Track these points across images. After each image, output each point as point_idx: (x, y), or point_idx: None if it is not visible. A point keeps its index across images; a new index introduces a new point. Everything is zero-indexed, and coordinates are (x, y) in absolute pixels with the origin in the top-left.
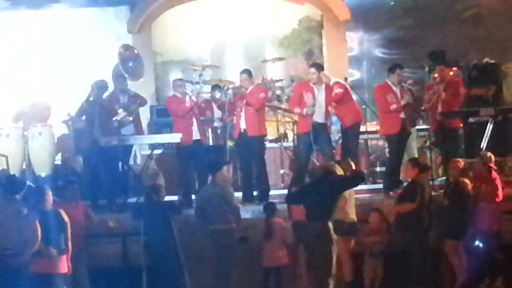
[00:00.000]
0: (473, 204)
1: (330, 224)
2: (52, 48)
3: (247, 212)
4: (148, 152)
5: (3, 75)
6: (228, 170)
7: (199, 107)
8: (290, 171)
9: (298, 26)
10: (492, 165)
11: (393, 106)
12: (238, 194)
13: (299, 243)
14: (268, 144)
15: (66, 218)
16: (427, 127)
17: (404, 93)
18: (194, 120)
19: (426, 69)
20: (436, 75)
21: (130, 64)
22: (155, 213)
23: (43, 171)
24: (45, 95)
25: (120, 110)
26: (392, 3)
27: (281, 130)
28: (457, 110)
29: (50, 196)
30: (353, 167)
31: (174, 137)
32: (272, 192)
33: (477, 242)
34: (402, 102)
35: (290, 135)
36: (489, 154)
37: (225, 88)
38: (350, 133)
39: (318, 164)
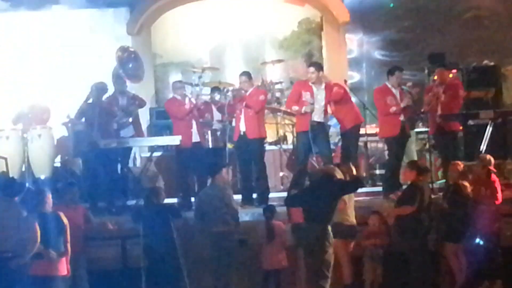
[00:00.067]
0: (472, 206)
1: (329, 227)
2: (52, 49)
3: (246, 215)
4: (148, 154)
5: (3, 76)
6: (227, 173)
7: (199, 109)
8: (289, 172)
9: (297, 28)
10: (492, 167)
11: (393, 109)
12: (238, 197)
13: (298, 246)
14: (267, 147)
15: (65, 220)
16: (426, 129)
17: (403, 96)
18: (194, 122)
19: (426, 71)
20: (435, 77)
21: (129, 66)
22: (154, 216)
23: (42, 173)
24: (45, 97)
25: (119, 112)
26: (391, 5)
27: (281, 132)
28: (457, 113)
29: (50, 199)
30: (354, 171)
31: (174, 140)
32: (271, 195)
33: (476, 245)
34: (402, 105)
35: (290, 138)
36: (488, 156)
37: (225, 90)
38: (350, 135)
39: (317, 166)
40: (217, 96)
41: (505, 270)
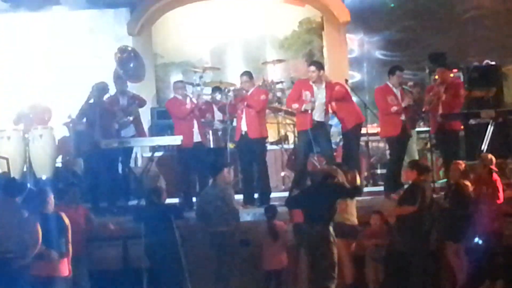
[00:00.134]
0: (474, 206)
1: (331, 227)
2: (52, 50)
3: (248, 215)
4: (149, 154)
5: (4, 77)
6: (229, 172)
7: (200, 109)
8: (291, 172)
9: (298, 28)
10: (493, 167)
11: (394, 108)
12: (239, 197)
13: (300, 246)
14: (269, 146)
15: (67, 221)
16: (427, 129)
17: (404, 95)
18: (195, 122)
19: (427, 71)
20: (436, 77)
21: (130, 65)
22: (156, 216)
23: (44, 174)
24: (46, 97)
25: (120, 113)
26: (392, 5)
27: (282, 132)
28: (458, 112)
29: (52, 199)
30: (358, 180)
31: (175, 139)
32: (273, 195)
33: (477, 244)
34: (403, 104)
35: (291, 137)
36: (490, 156)
37: (226, 90)
38: (351, 135)
39: (318, 166)
40: (218, 96)
41: (506, 270)
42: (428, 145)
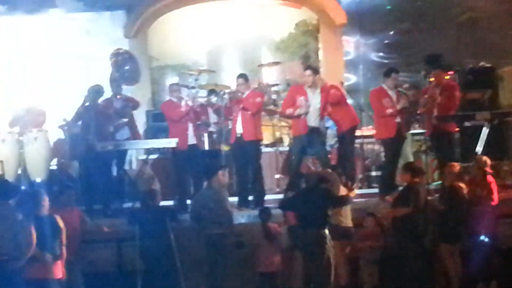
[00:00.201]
0: (468, 208)
1: (326, 231)
2: (49, 52)
3: (242, 217)
4: (144, 157)
5: None
6: (224, 175)
7: (195, 111)
8: (286, 175)
9: (294, 30)
10: (488, 169)
11: (389, 111)
12: (234, 199)
13: (294, 248)
14: (264, 149)
15: (61, 223)
16: (422, 131)
17: (400, 98)
18: (190, 125)
19: (422, 73)
20: (432, 79)
21: (126, 68)
22: (150, 218)
23: (38, 176)
24: (41, 100)
25: (114, 115)
26: (388, 7)
27: (277, 134)
28: (453, 114)
29: (46, 202)
30: (351, 192)
31: (170, 142)
32: (267, 197)
33: (472, 246)
34: (398, 106)
35: (286, 140)
36: (484, 158)
37: (221, 92)
38: (347, 137)
39: (313, 168)
40: (213, 99)
41: (501, 271)
42: (423, 147)
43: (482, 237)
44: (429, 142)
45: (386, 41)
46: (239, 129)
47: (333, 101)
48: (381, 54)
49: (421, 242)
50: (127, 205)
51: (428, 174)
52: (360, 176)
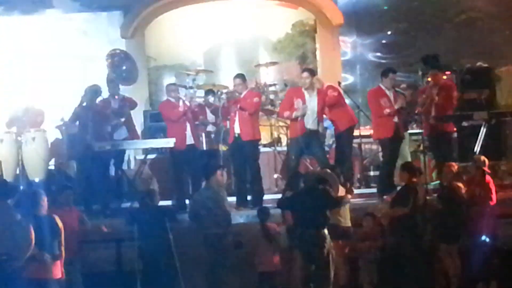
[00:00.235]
0: (467, 208)
1: (326, 231)
2: (46, 53)
3: (241, 217)
4: (142, 157)
5: None
6: (222, 175)
7: (193, 111)
8: (284, 174)
9: (291, 30)
10: (486, 168)
11: (387, 111)
12: (233, 199)
13: (293, 247)
14: (262, 149)
15: (60, 224)
16: (420, 131)
17: (397, 97)
18: (188, 125)
19: (420, 73)
20: (429, 79)
21: (123, 68)
22: (149, 218)
23: (36, 176)
24: (39, 100)
25: (112, 115)
26: (385, 7)
27: (275, 134)
28: (451, 114)
29: (45, 202)
30: (349, 195)
31: (168, 142)
32: (266, 197)
33: (471, 246)
34: (396, 106)
35: (284, 140)
36: (482, 157)
37: (219, 92)
38: (344, 137)
39: (311, 168)
40: (211, 99)
41: (500, 271)
42: (421, 147)
43: (480, 237)
44: (427, 142)
45: (383, 41)
46: (237, 129)
47: (330, 102)
48: (378, 54)
49: (419, 242)
50: (126, 205)
51: (426, 174)
52: (358, 176)
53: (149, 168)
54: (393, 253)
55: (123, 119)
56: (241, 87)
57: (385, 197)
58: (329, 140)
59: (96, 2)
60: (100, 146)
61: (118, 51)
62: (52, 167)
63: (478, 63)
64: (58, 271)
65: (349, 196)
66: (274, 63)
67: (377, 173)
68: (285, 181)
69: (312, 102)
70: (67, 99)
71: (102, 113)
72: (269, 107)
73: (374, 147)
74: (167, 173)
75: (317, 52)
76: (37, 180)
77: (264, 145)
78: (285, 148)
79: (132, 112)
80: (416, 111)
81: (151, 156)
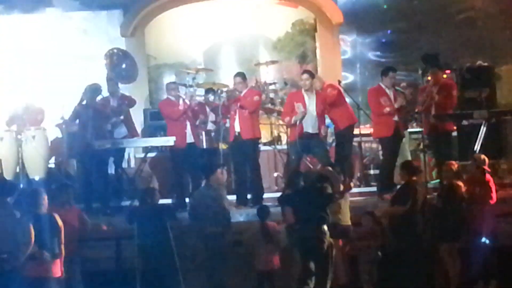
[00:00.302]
0: (467, 206)
1: (326, 227)
2: (46, 51)
3: (241, 215)
4: (142, 155)
5: None
6: (222, 173)
7: (193, 110)
8: (284, 173)
9: (291, 29)
10: (486, 167)
11: (387, 109)
12: (233, 197)
13: (293, 246)
14: (262, 147)
15: (60, 222)
16: (420, 129)
17: (397, 96)
18: (188, 123)
19: (420, 72)
20: (429, 78)
21: (121, 67)
22: (149, 217)
23: (36, 175)
24: (39, 98)
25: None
26: (385, 6)
27: (275, 133)
28: (451, 113)
29: (45, 200)
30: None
31: (168, 140)
32: (266, 195)
33: (471, 245)
34: (396, 105)
35: (284, 138)
36: (482, 156)
37: (219, 91)
38: (344, 136)
39: (312, 167)
40: (211, 97)
41: (500, 270)
42: (421, 146)
43: (480, 236)
44: (427, 141)
45: (383, 40)
46: (237, 128)
47: (330, 101)
48: (378, 53)
49: (419, 240)
50: (126, 203)
51: (426, 173)
52: (358, 174)
53: (149, 166)
54: (392, 252)
55: (121, 117)
56: (242, 86)
57: (385, 196)
58: (329, 139)
59: (96, 1)
60: (100, 144)
61: (115, 50)
62: (52, 165)
63: (478, 62)
64: (57, 269)
65: (348, 187)
66: (274, 62)
67: (377, 171)
68: (285, 180)
69: (311, 104)
70: (67, 97)
71: (102, 111)
72: (269, 105)
73: (374, 145)
74: (167, 172)
75: (317, 51)
76: (37, 178)
77: (264, 144)
78: (285, 147)
79: (132, 110)
80: (416, 110)
81: (151, 155)
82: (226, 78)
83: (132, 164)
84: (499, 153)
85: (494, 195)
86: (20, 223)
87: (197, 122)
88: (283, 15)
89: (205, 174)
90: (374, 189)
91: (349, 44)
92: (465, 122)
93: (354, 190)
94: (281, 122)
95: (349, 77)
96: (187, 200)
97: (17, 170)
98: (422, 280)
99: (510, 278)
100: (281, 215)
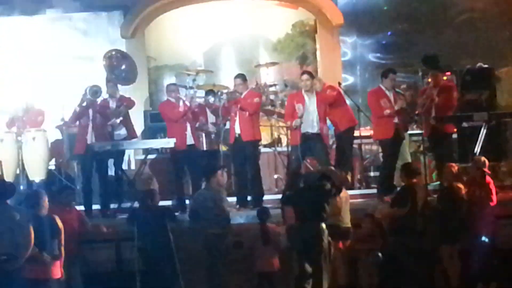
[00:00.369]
0: (467, 209)
1: (325, 228)
2: (46, 52)
3: (241, 217)
4: (142, 157)
5: None
6: (222, 175)
7: (193, 112)
8: (284, 175)
9: (291, 30)
10: (486, 169)
11: (387, 111)
12: (233, 199)
13: (293, 248)
14: (262, 149)
15: (60, 224)
16: (420, 132)
17: (397, 98)
18: (188, 125)
19: (420, 74)
20: (429, 80)
21: (121, 68)
22: (149, 218)
23: (37, 176)
24: (39, 100)
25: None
26: (385, 7)
27: (275, 135)
28: (451, 115)
29: (46, 202)
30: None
31: (168, 142)
32: (266, 197)
33: (471, 247)
34: (396, 107)
35: (284, 140)
36: (483, 158)
37: (219, 93)
38: (344, 138)
39: (312, 168)
40: (211, 99)
41: (500, 272)
42: (421, 148)
43: (480, 238)
44: (427, 143)
45: (383, 42)
46: (237, 130)
47: (329, 101)
48: (378, 54)
49: (419, 242)
50: (126, 205)
51: (426, 175)
52: (358, 176)
53: (149, 168)
54: (393, 254)
55: (120, 119)
56: (242, 87)
57: (385, 198)
58: (329, 140)
59: (96, 2)
60: (100, 146)
61: (114, 52)
62: (52, 167)
63: (478, 64)
64: (57, 271)
65: (345, 179)
66: (274, 64)
67: (377, 173)
68: (286, 182)
69: (311, 106)
70: (67, 99)
71: (102, 113)
72: (270, 107)
73: (374, 147)
74: (167, 173)
75: (317, 53)
76: (37, 180)
77: (265, 146)
78: (285, 149)
79: (132, 112)
80: (416, 112)
81: (151, 156)
82: (226, 79)
83: (132, 165)
84: (499, 155)
85: (494, 197)
86: (20, 224)
87: (197, 126)
88: (283, 16)
89: (205, 176)
90: (374, 191)
91: (349, 45)
92: (465, 124)
93: (355, 192)
94: (281, 124)
95: (349, 79)
96: (187, 201)
97: (17, 171)
98: (423, 282)
99: (510, 280)
100: (281, 217)
